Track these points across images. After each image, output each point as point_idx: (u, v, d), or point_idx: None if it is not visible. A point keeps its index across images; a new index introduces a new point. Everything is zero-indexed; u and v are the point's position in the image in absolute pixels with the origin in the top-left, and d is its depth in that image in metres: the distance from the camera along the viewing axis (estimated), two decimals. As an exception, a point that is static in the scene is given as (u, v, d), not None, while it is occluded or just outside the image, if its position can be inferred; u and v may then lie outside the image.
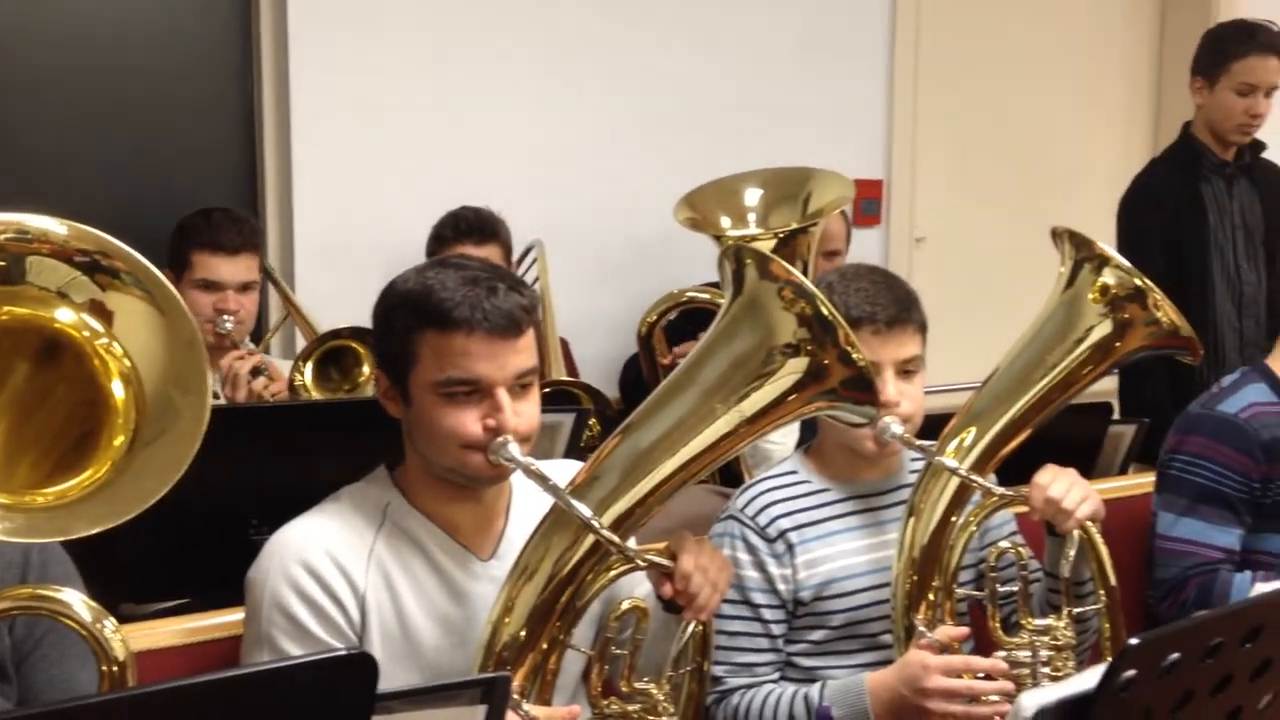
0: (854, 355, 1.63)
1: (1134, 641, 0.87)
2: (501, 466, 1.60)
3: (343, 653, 0.88)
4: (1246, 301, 3.32)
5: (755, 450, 2.87)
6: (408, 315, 1.62)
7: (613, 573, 1.62)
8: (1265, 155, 3.42)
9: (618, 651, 1.61)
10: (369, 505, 1.67)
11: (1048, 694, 0.89)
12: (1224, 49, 3.28)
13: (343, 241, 3.35)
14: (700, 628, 1.65)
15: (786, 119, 3.81)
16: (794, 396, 1.64)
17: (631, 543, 1.63)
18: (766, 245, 2.93)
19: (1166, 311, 1.83)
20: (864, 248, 3.84)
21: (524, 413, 1.63)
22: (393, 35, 3.43)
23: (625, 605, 1.62)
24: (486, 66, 3.53)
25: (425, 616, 1.64)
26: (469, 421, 1.60)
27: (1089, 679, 0.88)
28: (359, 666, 0.86)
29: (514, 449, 1.59)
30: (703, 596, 1.60)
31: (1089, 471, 2.75)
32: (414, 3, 3.45)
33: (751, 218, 3.08)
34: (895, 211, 4.08)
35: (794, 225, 2.96)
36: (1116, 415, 3.09)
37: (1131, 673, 0.88)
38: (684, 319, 3.02)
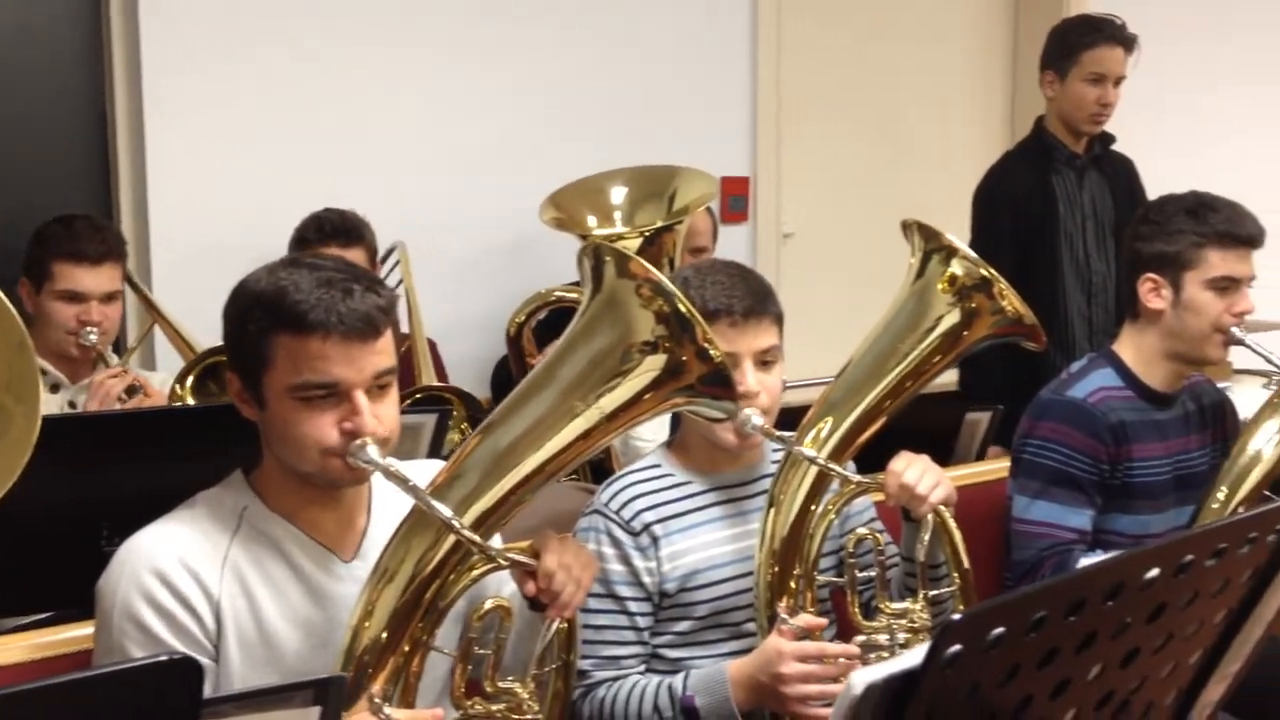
0: (711, 352, 1.65)
1: (957, 617, 0.90)
2: (360, 469, 1.59)
3: (164, 658, 0.86)
4: (1096, 290, 3.43)
5: (627, 447, 2.90)
6: (261, 317, 1.59)
7: (475, 572, 1.61)
8: (1115, 148, 3.54)
9: (481, 651, 1.61)
10: (224, 510, 1.65)
11: (876, 671, 0.92)
12: (1073, 41, 3.39)
13: (201, 245, 3.28)
14: (565, 624, 1.66)
15: (653, 118, 3.84)
16: (652, 393, 1.65)
17: (496, 541, 1.63)
18: (632, 243, 2.95)
19: (1011, 300, 1.88)
20: (732, 244, 3.88)
21: (383, 415, 1.62)
22: (251, 34, 3.37)
23: (488, 605, 1.61)
24: (349, 66, 3.49)
25: (285, 621, 1.62)
26: (326, 426, 1.58)
27: (917, 656, 0.91)
28: (183, 671, 0.84)
29: (372, 451, 1.58)
30: (566, 594, 1.60)
31: (947, 458, 2.83)
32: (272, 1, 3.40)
33: (617, 216, 3.10)
34: (762, 208, 4.14)
35: (659, 223, 2.99)
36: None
37: (957, 648, 0.91)
38: (553, 318, 3.02)
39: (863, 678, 0.91)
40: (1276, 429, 2.23)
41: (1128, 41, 3.38)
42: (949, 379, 3.53)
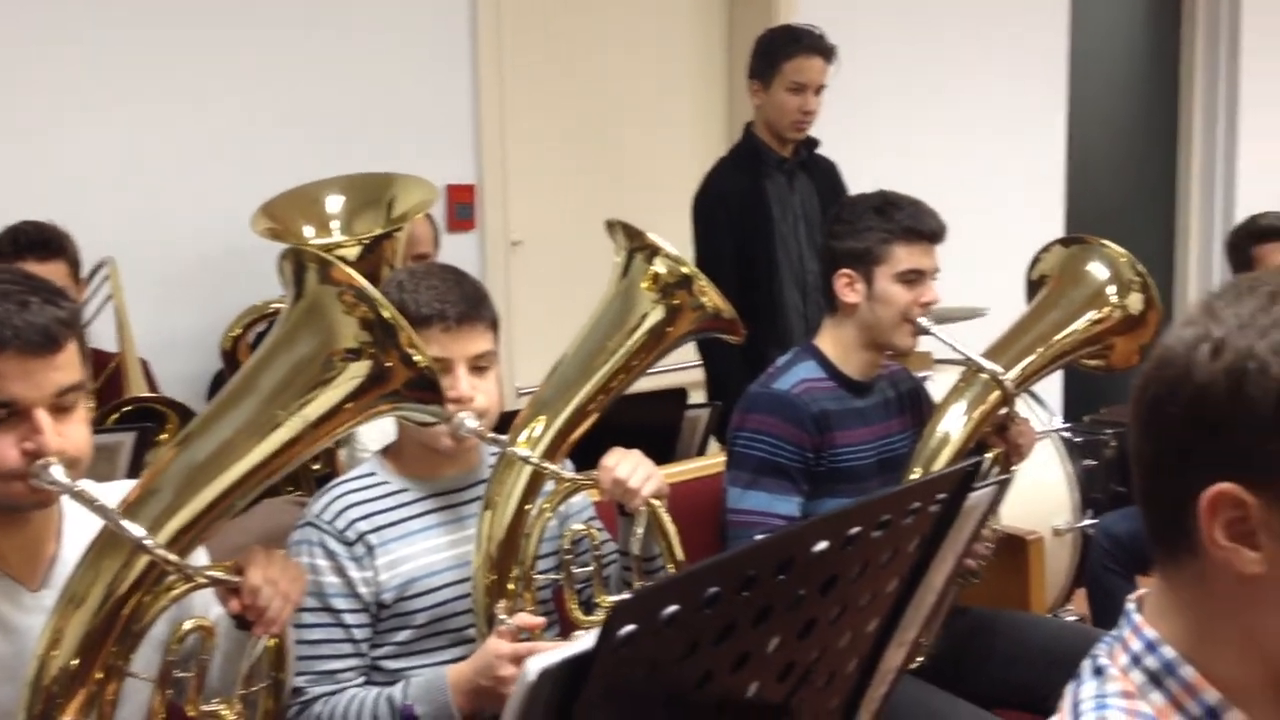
0: (416, 357, 1.65)
1: (627, 596, 0.93)
2: (45, 491, 1.51)
3: None
4: (810, 289, 3.58)
5: (352, 456, 2.85)
6: (-71, 333, 1.50)
7: (174, 593, 1.55)
8: (820, 152, 3.70)
9: (182, 674, 1.56)
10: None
11: (551, 656, 0.94)
12: (774, 51, 3.53)
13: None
14: (274, 641, 1.62)
15: (374, 126, 3.78)
16: (356, 401, 1.63)
17: (199, 558, 1.58)
18: (351, 252, 2.91)
19: (710, 296, 1.95)
20: (459, 253, 3.86)
21: (68, 433, 1.54)
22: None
23: (187, 625, 1.56)
24: (52, 71, 3.30)
25: (-32, 659, 1.52)
26: (5, 448, 1.49)
27: (592, 639, 0.93)
28: None
29: (57, 472, 1.50)
30: (273, 609, 1.57)
31: (670, 454, 2.91)
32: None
33: (335, 225, 3.05)
34: (489, 215, 4.14)
35: (378, 231, 2.95)
36: (702, 400, 3.28)
37: (630, 628, 0.93)
38: (270, 332, 2.93)
39: (537, 664, 0.92)
40: (963, 411, 2.39)
41: (827, 51, 3.53)
42: (672, 378, 3.64)
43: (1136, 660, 0.94)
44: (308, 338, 1.67)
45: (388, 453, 2.05)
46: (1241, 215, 4.45)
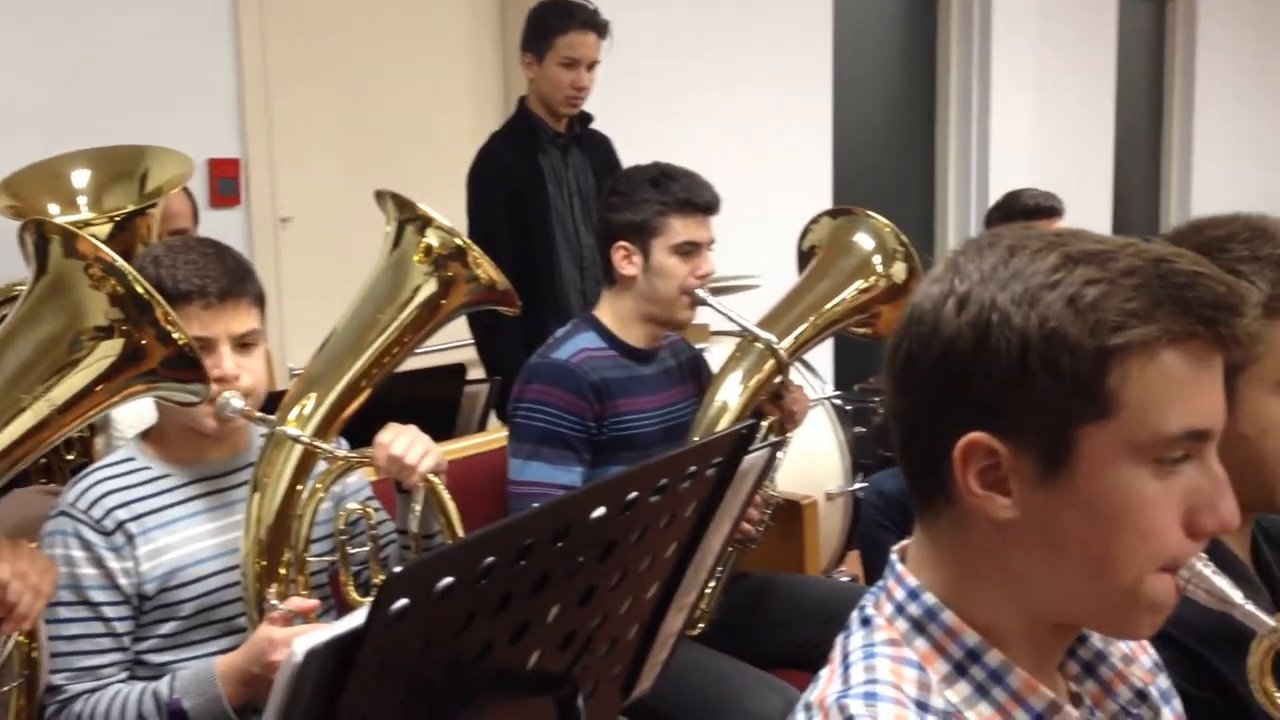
0: (174, 334, 1.57)
1: (399, 570, 0.90)
2: None
3: None
4: (587, 264, 3.57)
5: (109, 443, 2.71)
6: None
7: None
8: (594, 126, 3.70)
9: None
10: None
11: (319, 635, 0.90)
12: (547, 25, 3.49)
13: None
14: (25, 638, 1.52)
15: (129, 98, 3.57)
16: (109, 381, 1.56)
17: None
18: (102, 230, 2.73)
19: (485, 268, 1.92)
20: (225, 229, 3.70)
21: None
22: None
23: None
24: None
25: None
26: None
27: (362, 615, 0.90)
28: None
29: None
30: (23, 605, 1.48)
31: (450, 430, 2.86)
32: None
33: (82, 201, 2.86)
34: (256, 191, 3.97)
35: (131, 207, 2.79)
36: (480, 376, 3.25)
37: (404, 602, 0.90)
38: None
39: (304, 644, 0.88)
40: (740, 379, 2.43)
41: (600, 27, 3.52)
42: (453, 356, 3.59)
43: (900, 609, 0.96)
44: (52, 315, 1.58)
45: (148, 437, 1.95)
46: (996, 192, 4.68)
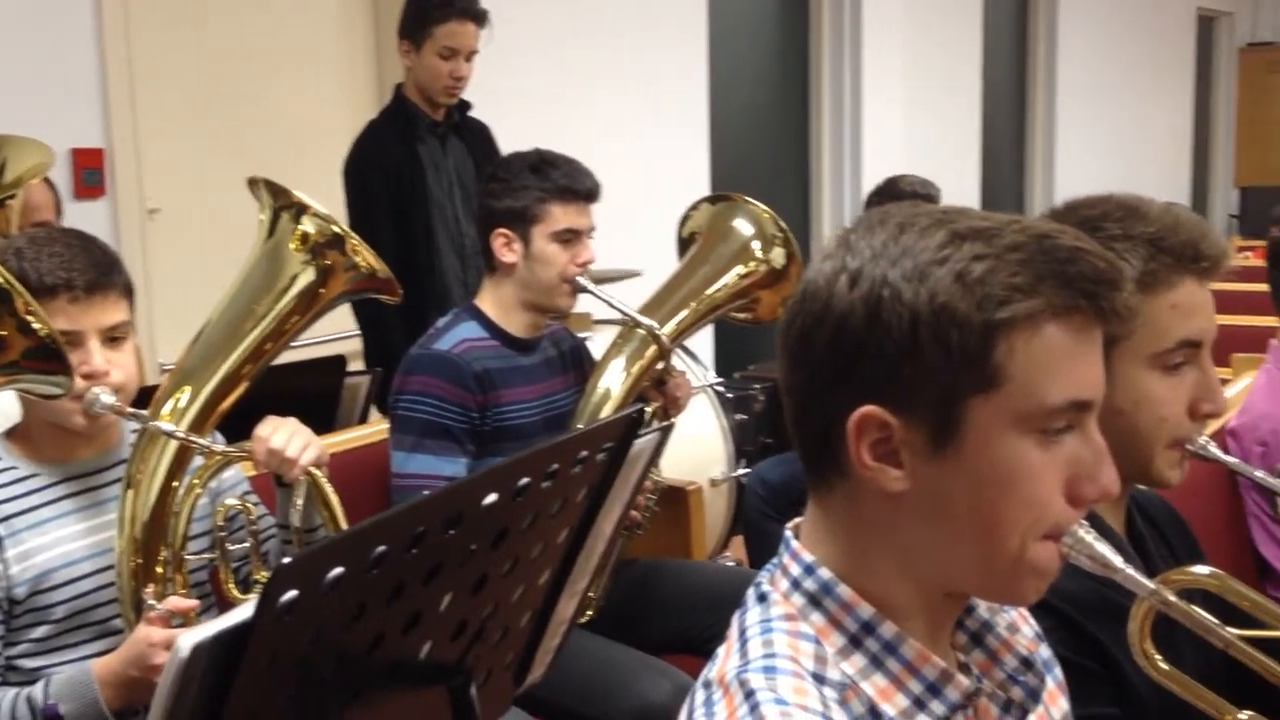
0: (35, 325, 1.51)
1: (288, 560, 0.88)
2: None
3: None
4: (469, 254, 3.53)
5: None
6: None
7: None
8: (472, 114, 3.66)
9: None
10: None
11: (205, 630, 0.87)
12: (426, 14, 3.44)
13: None
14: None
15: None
16: (-31, 375, 1.48)
17: None
18: (-40, 221, 2.63)
19: (364, 256, 1.88)
20: (90, 221, 3.57)
21: None
22: None
23: None
24: None
25: None
26: None
27: (250, 608, 0.88)
28: None
29: None
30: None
31: (330, 423, 2.81)
32: None
33: (-66, 193, 2.75)
34: (122, 182, 3.85)
35: (-11, 198, 2.68)
36: (361, 368, 3.19)
37: (293, 594, 0.88)
38: None
39: (189, 639, 0.86)
40: (622, 366, 2.43)
41: (479, 16, 3.47)
42: (333, 348, 3.52)
43: (796, 584, 0.97)
44: (-94, 309, 1.50)
45: (13, 435, 1.87)
46: (870, 178, 4.77)
